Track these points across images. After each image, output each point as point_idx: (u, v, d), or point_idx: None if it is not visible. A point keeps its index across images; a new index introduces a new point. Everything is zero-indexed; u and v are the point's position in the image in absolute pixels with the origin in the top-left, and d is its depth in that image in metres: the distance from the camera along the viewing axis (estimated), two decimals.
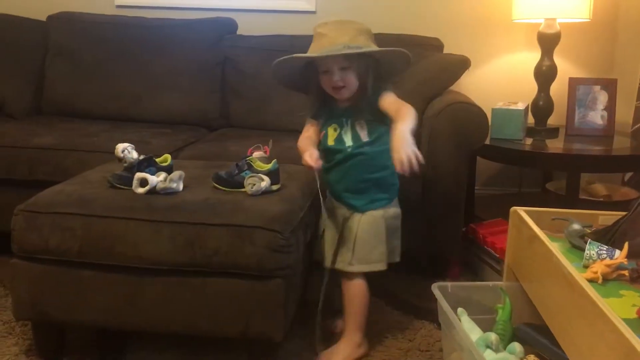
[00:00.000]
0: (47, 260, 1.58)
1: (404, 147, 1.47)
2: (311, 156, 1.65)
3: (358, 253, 1.70)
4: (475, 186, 2.78)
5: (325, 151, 1.75)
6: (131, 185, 1.65)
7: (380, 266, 1.72)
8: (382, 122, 1.68)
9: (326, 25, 1.66)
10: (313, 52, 1.66)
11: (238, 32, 2.86)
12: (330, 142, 1.74)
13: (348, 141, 1.71)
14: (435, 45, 2.68)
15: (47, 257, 1.57)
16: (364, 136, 1.71)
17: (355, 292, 1.74)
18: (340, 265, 1.72)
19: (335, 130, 1.73)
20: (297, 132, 2.49)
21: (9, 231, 1.61)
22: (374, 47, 1.66)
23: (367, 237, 1.71)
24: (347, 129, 1.72)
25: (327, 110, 1.77)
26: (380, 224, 1.72)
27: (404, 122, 1.54)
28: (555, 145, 2.55)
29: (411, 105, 1.63)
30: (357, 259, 1.71)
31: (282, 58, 1.68)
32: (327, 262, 1.75)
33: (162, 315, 1.58)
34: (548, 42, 2.65)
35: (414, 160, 1.46)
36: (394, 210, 1.76)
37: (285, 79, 1.80)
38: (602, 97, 2.69)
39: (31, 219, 1.57)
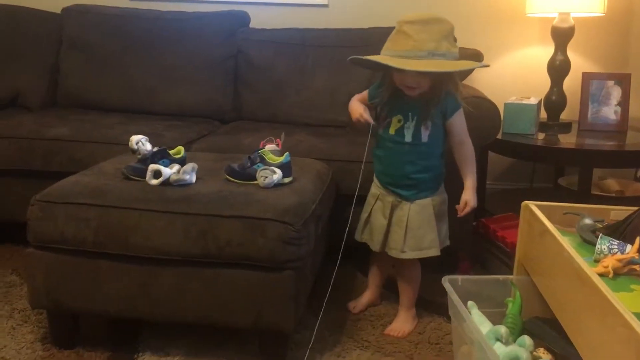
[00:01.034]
0: (62, 250, 1.60)
1: (473, 204, 1.78)
2: (365, 111, 1.78)
3: (410, 241, 1.78)
4: (487, 181, 2.78)
5: (383, 138, 1.79)
6: (145, 177, 1.67)
7: (433, 252, 1.80)
8: (444, 128, 1.77)
9: (412, 25, 1.62)
10: (393, 51, 1.65)
11: (251, 26, 2.87)
12: (392, 131, 1.77)
13: (408, 136, 1.75)
14: None
15: (62, 246, 1.60)
16: (425, 137, 1.75)
17: (410, 275, 1.88)
18: (393, 252, 1.81)
19: (399, 121, 1.76)
20: (309, 125, 2.53)
21: (25, 221, 1.64)
22: (455, 53, 1.65)
23: (417, 225, 1.78)
24: (411, 124, 1.74)
25: (392, 96, 1.77)
26: (429, 212, 1.79)
27: (473, 178, 1.79)
28: (567, 140, 2.53)
29: (470, 140, 1.80)
30: (409, 246, 1.79)
31: (358, 57, 1.69)
32: (376, 247, 1.84)
33: (175, 305, 1.60)
34: (562, 36, 2.63)
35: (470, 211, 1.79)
36: (441, 196, 1.83)
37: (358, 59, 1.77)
38: (616, 92, 2.67)
39: (47, 209, 1.60)
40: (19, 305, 1.92)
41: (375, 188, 1.86)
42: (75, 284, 1.62)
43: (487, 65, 1.81)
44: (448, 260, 2.24)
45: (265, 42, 2.74)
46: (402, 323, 1.87)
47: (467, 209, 1.78)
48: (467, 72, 1.78)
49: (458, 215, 1.80)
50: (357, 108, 1.80)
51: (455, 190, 1.83)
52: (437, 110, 1.73)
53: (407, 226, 1.78)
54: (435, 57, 1.61)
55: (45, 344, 1.72)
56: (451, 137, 1.79)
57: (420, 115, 1.73)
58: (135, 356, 1.67)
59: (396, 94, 1.76)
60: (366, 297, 2.00)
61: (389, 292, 2.05)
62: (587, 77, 2.69)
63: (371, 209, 1.85)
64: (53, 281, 1.62)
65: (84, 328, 1.74)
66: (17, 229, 1.91)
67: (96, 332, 1.78)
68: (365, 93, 1.86)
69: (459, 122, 1.77)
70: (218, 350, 1.71)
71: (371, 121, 1.77)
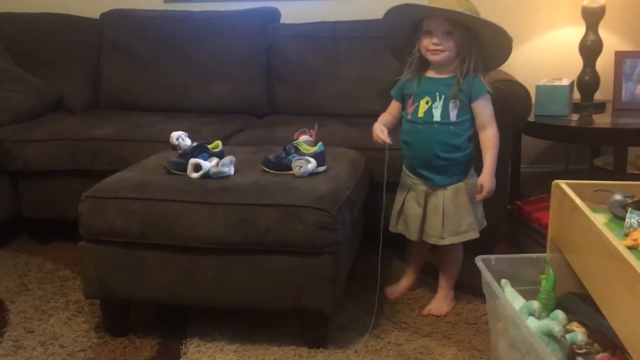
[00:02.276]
0: (112, 242, 1.69)
1: (491, 187, 1.79)
2: (383, 132, 1.83)
3: (447, 227, 1.83)
4: (522, 165, 2.78)
5: (411, 122, 1.83)
6: (186, 171, 1.75)
7: (471, 235, 1.84)
8: (470, 109, 1.80)
9: None
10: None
11: (281, 21, 2.93)
12: (421, 114, 1.81)
13: (437, 115, 1.79)
14: None
15: (112, 239, 1.69)
16: (454, 116, 1.79)
17: (450, 259, 1.93)
18: (432, 240, 1.86)
19: (427, 103, 1.80)
20: (342, 116, 2.58)
21: (74, 219, 1.73)
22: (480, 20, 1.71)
23: (453, 210, 1.82)
24: (439, 103, 1.79)
25: (418, 81, 1.83)
26: (463, 196, 1.82)
27: (492, 160, 1.79)
28: (602, 120, 2.52)
29: (495, 126, 1.80)
30: (447, 232, 1.83)
31: (395, 5, 1.74)
32: (413, 236, 1.88)
33: (218, 291, 1.68)
34: (592, 16, 2.61)
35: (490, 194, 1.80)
36: (472, 180, 1.85)
37: (391, 36, 1.86)
38: None
39: (96, 204, 1.69)
40: (73, 297, 2.03)
41: (406, 178, 1.89)
42: (125, 274, 1.71)
43: (509, 37, 1.77)
44: (484, 243, 2.27)
45: (296, 36, 2.80)
46: (439, 303, 1.91)
47: (484, 193, 1.80)
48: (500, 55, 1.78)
49: (476, 200, 1.82)
50: (375, 129, 1.86)
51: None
52: (464, 89, 1.76)
53: (444, 212, 1.82)
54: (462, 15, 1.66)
55: (99, 332, 1.81)
56: (475, 120, 1.82)
57: (447, 92, 1.77)
58: (184, 341, 1.76)
59: (423, 77, 1.82)
60: (404, 283, 2.04)
61: (426, 276, 2.09)
62: (620, 56, 2.67)
63: (404, 199, 1.89)
64: (105, 272, 1.71)
65: (135, 316, 1.83)
66: (68, 227, 2.02)
67: (146, 320, 1.88)
68: (393, 104, 1.92)
69: (483, 107, 1.79)
70: (261, 334, 1.78)
71: (388, 141, 1.81)
